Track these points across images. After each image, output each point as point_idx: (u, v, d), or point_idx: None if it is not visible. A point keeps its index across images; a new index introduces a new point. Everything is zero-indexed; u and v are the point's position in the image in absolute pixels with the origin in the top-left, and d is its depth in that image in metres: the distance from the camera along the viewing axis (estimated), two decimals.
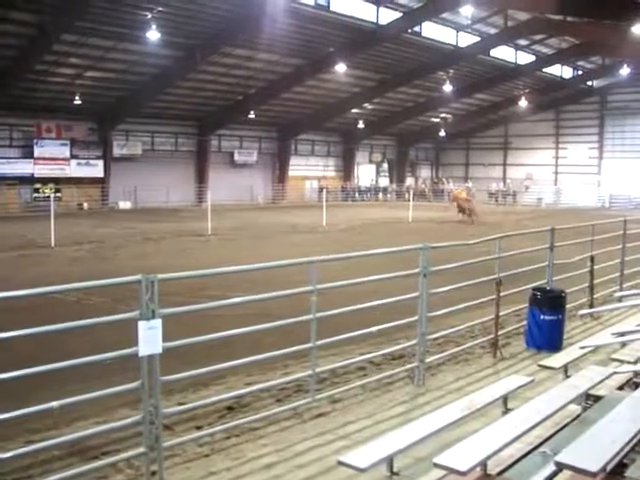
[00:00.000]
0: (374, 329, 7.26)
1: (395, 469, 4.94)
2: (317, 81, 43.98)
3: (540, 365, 7.54)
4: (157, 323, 4.60)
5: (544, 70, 48.21)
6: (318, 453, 5.64)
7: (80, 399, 4.88)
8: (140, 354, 4.66)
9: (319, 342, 6.35)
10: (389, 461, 4.84)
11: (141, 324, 4.57)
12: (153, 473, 4.96)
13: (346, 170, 59.51)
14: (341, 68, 39.36)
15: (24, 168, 41.55)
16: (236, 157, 52.33)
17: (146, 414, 4.86)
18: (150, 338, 4.58)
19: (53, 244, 21.13)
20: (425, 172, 67.57)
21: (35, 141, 41.90)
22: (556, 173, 59.58)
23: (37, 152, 41.91)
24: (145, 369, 4.79)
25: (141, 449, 4.98)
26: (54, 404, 4.53)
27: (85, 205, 43.53)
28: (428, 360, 7.76)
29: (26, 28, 32.10)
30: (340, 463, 4.64)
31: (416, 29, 38.61)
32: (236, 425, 5.96)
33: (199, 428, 6.03)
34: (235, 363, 6.07)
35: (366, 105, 51.26)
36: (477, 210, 34.64)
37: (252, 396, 6.79)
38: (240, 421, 6.03)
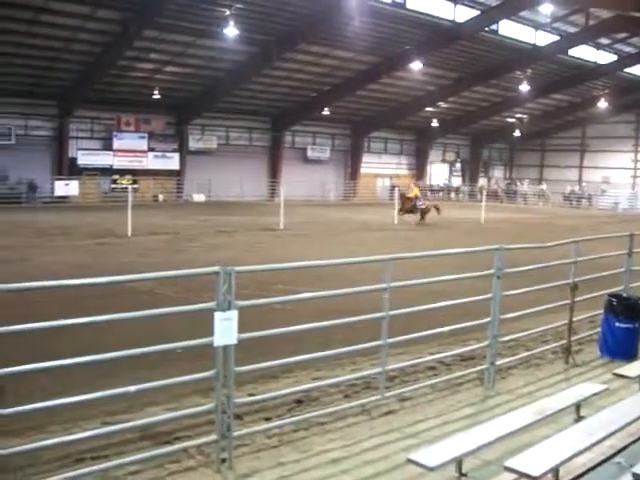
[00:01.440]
0: (446, 329, 7.22)
1: (463, 470, 4.92)
2: (392, 79, 43.76)
3: (614, 374, 7.34)
4: (233, 314, 4.69)
5: (625, 70, 46.61)
6: (385, 450, 5.64)
7: (155, 385, 5.04)
8: (215, 344, 4.76)
9: (390, 340, 6.35)
10: (458, 462, 4.82)
11: (217, 315, 4.67)
12: (223, 460, 5.06)
13: (418, 169, 59.11)
14: (416, 66, 39.10)
15: (104, 160, 42.78)
16: (309, 153, 52.59)
17: (219, 403, 4.96)
18: (226, 329, 4.67)
19: (130, 234, 21.75)
20: (498, 173, 66.44)
21: (115, 134, 43.07)
22: (634, 177, 57.69)
23: (116, 144, 43.07)
24: (220, 359, 4.89)
25: (212, 437, 5.09)
26: (131, 388, 4.67)
27: (160, 197, 44.50)
28: (499, 363, 7.66)
29: (110, 25, 33.02)
30: (409, 461, 4.64)
31: (493, 27, 38.00)
32: (305, 418, 6.02)
33: (268, 419, 6.11)
34: (305, 357, 6.14)
35: (440, 104, 50.73)
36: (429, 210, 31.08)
37: (321, 391, 6.84)
38: (309, 415, 6.09)
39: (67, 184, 40.76)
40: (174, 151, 45.62)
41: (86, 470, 4.75)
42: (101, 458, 5.09)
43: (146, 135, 44.19)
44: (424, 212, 30.80)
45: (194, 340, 5.07)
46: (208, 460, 5.17)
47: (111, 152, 43.03)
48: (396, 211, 30.81)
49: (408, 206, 30.83)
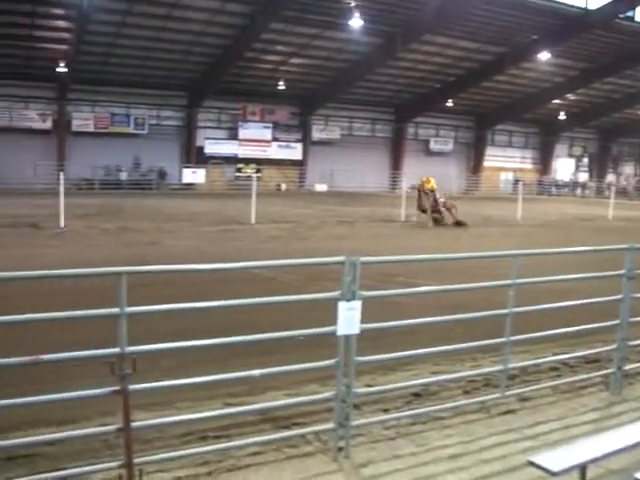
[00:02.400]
0: (572, 329, 6.97)
1: (587, 478, 4.73)
2: (518, 70, 42.61)
3: None
4: (357, 305, 4.71)
5: None
6: (504, 450, 5.51)
7: (278, 370, 5.14)
8: (338, 333, 4.80)
9: (513, 338, 6.19)
10: (582, 469, 4.64)
11: (341, 304, 4.71)
12: (340, 449, 5.09)
13: (543, 163, 57.32)
14: (544, 56, 37.86)
15: (229, 149, 44.07)
16: (431, 145, 52.10)
17: (339, 392, 5.00)
18: (349, 318, 4.70)
19: (253, 221, 22.29)
20: (629, 169, 63.31)
21: (240, 123, 44.24)
22: None
23: (242, 134, 44.21)
24: (342, 348, 4.94)
25: (330, 425, 5.14)
26: (255, 372, 4.79)
27: (283, 186, 45.32)
28: (627, 368, 7.31)
29: (238, 18, 33.91)
30: (530, 463, 4.51)
31: (629, 14, 36.14)
32: (423, 412, 5.98)
33: (386, 411, 6.10)
34: (426, 351, 6.08)
35: (568, 96, 48.88)
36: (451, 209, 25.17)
37: (439, 385, 6.76)
38: (427, 409, 6.04)
39: (194, 172, 42.29)
40: (297, 141, 46.34)
41: (209, 448, 4.93)
42: (223, 437, 5.24)
43: (270, 125, 45.10)
44: (448, 209, 25.05)
45: (314, 329, 5.13)
46: (325, 447, 5.21)
47: (236, 141, 44.23)
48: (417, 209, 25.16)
49: (428, 203, 24.54)
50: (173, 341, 4.72)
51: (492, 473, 5.11)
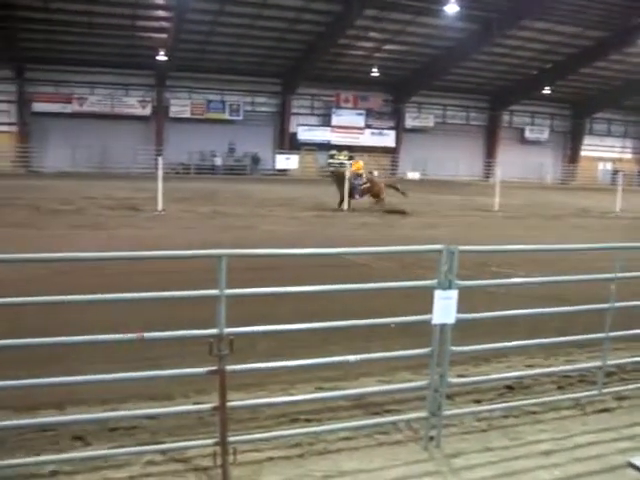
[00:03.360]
0: None
1: None
2: (620, 55, 40.87)
3: None
4: (453, 294, 4.67)
5: None
6: (599, 449, 5.34)
7: (372, 357, 5.16)
8: (433, 322, 4.78)
9: (612, 334, 5.99)
10: None
11: (437, 293, 4.68)
12: (431, 438, 5.08)
13: None
14: None
15: (322, 135, 44.30)
16: (527, 134, 50.84)
17: (432, 381, 4.98)
18: (445, 308, 4.67)
19: (345, 208, 22.44)
20: None
21: (333, 110, 44.37)
22: None
23: (334, 121, 44.38)
24: (437, 337, 4.91)
25: (423, 413, 5.12)
26: (350, 358, 4.82)
27: (375, 173, 45.13)
28: None
29: (332, 5, 33.93)
30: (630, 465, 4.38)
31: None
32: (516, 406, 5.88)
33: (478, 402, 6.03)
34: (520, 343, 5.97)
35: None
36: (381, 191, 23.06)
37: (533, 379, 6.63)
38: (520, 402, 5.93)
39: (287, 158, 42.77)
40: (390, 128, 46.14)
41: (301, 430, 5.00)
42: (314, 421, 5.31)
43: (363, 112, 45.08)
44: (374, 194, 22.97)
45: (407, 316, 5.12)
46: (416, 436, 5.20)
47: (329, 128, 44.43)
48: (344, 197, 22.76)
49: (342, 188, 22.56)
50: (269, 324, 4.81)
51: (587, 472, 4.97)
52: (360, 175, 23.03)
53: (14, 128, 40.75)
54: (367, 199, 23.28)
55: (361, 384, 6.06)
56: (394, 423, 5.34)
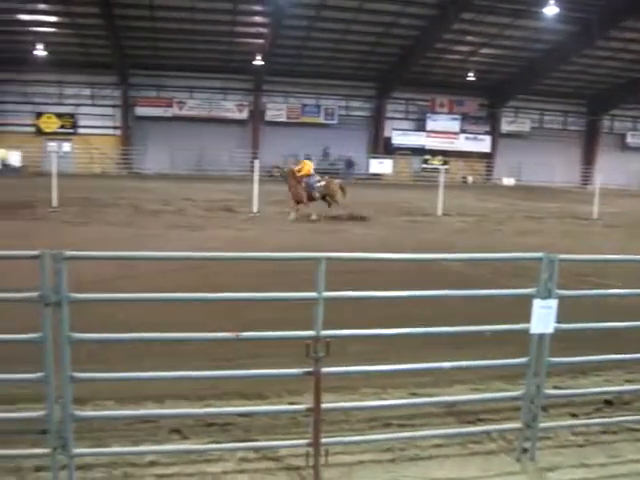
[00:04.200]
0: None
1: None
2: None
3: None
4: (553, 303, 4.57)
5: None
6: None
7: (467, 364, 5.09)
8: (531, 331, 4.68)
9: None
10: None
11: (536, 302, 4.58)
12: (524, 450, 4.97)
13: None
14: None
15: (416, 140, 44.08)
16: (628, 139, 48.96)
17: (528, 391, 4.89)
18: (544, 317, 4.57)
19: (439, 213, 22.18)
20: None
21: (428, 115, 44.06)
22: None
23: (429, 125, 44.06)
24: (534, 347, 4.81)
25: (517, 424, 5.03)
26: (445, 365, 4.78)
27: (469, 179, 44.62)
28: None
29: (429, 9, 33.73)
30: None
31: None
32: (615, 422, 5.67)
33: (574, 416, 5.86)
34: (621, 357, 5.78)
35: None
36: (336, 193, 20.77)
37: (633, 394, 6.39)
38: (619, 418, 5.72)
39: (381, 162, 42.76)
40: (486, 133, 45.45)
41: (394, 435, 5.01)
42: (407, 426, 5.29)
43: (459, 117, 44.60)
44: (329, 195, 20.77)
45: (503, 325, 5.03)
46: (509, 447, 5.11)
47: (424, 133, 44.15)
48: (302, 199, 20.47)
49: (296, 190, 20.31)
50: (360, 328, 4.83)
51: None
52: (312, 175, 20.94)
53: (118, 131, 42.49)
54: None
55: (454, 391, 6.00)
56: (487, 433, 5.26)
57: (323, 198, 20.67)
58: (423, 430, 5.17)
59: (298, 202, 20.33)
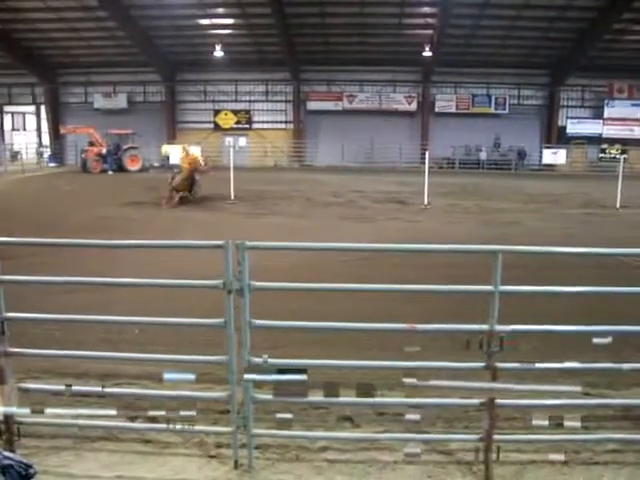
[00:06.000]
0: None
1: None
2: None
3: None
4: None
5: None
6: None
7: None
8: None
9: None
10: None
11: None
12: None
13: None
14: None
15: (593, 128, 42.04)
16: None
17: None
18: None
19: (618, 205, 21.02)
20: None
21: (606, 101, 41.80)
22: None
23: (607, 112, 41.85)
24: None
25: None
26: (625, 366, 4.58)
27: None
28: None
29: None
30: None
31: None
32: None
33: None
34: None
35: None
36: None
37: None
38: None
39: (555, 152, 41.16)
40: None
41: (567, 437, 4.84)
42: (580, 428, 5.09)
43: None
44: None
45: None
46: None
47: (601, 120, 41.99)
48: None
49: (181, 183, 20.69)
50: (533, 324, 4.72)
51: None
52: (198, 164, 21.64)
53: (290, 126, 43.89)
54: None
55: (631, 394, 5.70)
56: None
57: None
58: (598, 433, 4.97)
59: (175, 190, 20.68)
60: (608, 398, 5.50)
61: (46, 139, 45.68)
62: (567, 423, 5.11)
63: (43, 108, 45.30)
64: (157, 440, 4.84)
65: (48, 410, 4.71)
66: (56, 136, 43.25)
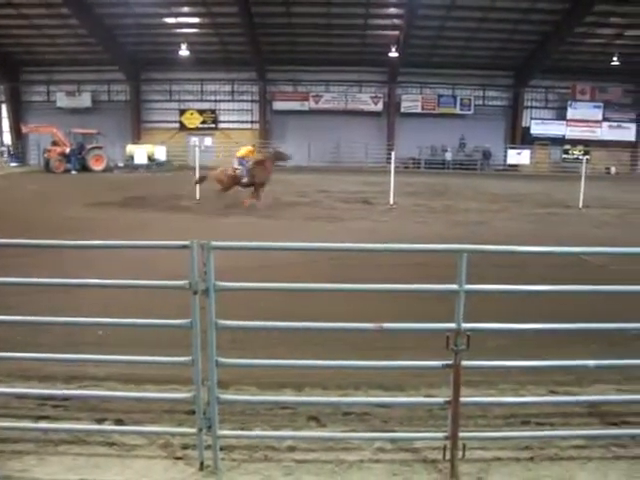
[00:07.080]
0: None
1: None
2: None
3: None
4: None
5: None
6: None
7: (615, 363, 4.85)
8: None
9: None
10: None
11: None
12: None
13: None
14: None
15: (556, 129, 42.68)
16: None
17: None
18: None
19: (580, 205, 21.27)
20: None
21: (569, 103, 42.45)
22: None
23: (569, 114, 42.50)
24: None
25: None
26: (590, 363, 4.62)
27: (612, 169, 42.56)
28: None
29: None
30: None
31: None
32: None
33: None
34: None
35: None
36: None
37: None
38: None
39: (519, 153, 41.77)
40: (631, 121, 43.16)
41: (533, 433, 4.91)
42: (546, 425, 5.14)
43: (601, 104, 42.70)
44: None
45: None
46: None
47: (564, 122, 42.65)
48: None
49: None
50: (501, 322, 4.75)
51: None
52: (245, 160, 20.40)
53: (256, 126, 43.78)
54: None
55: (596, 391, 5.76)
56: (633, 437, 5.01)
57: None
58: (564, 430, 5.02)
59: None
60: (574, 395, 5.53)
61: (7, 138, 44.98)
62: (533, 420, 5.20)
63: (4, 107, 44.59)
64: (122, 442, 4.78)
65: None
66: (18, 135, 42.65)
